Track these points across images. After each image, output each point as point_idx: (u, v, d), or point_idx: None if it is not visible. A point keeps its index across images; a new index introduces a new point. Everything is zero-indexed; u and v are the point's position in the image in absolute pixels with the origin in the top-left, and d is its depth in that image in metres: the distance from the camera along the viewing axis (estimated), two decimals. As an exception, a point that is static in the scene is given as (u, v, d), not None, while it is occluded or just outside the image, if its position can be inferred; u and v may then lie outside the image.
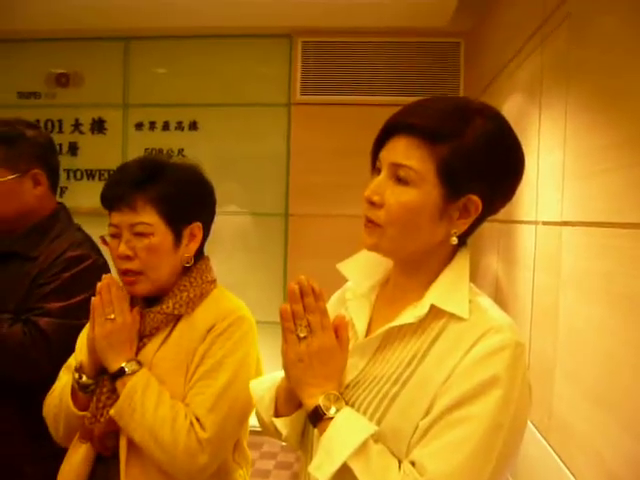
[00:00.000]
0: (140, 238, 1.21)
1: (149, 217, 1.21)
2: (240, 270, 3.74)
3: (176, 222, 1.24)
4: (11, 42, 4.05)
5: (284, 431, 1.00)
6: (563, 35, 1.85)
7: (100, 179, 4.03)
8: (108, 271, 1.60)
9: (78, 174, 4.00)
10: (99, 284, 1.22)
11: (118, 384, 1.17)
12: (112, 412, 1.16)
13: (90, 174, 4.03)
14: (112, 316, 1.19)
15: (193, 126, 3.94)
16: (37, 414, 1.35)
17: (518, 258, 2.34)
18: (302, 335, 0.91)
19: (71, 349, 1.37)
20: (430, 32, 3.69)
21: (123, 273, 1.23)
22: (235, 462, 1.28)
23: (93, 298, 1.21)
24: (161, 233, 1.22)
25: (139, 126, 4.00)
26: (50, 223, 1.64)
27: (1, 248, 1.60)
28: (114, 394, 1.18)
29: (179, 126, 3.95)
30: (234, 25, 3.78)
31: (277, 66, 3.89)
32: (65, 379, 1.30)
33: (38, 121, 3.73)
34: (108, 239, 1.25)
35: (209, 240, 1.35)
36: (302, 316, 0.91)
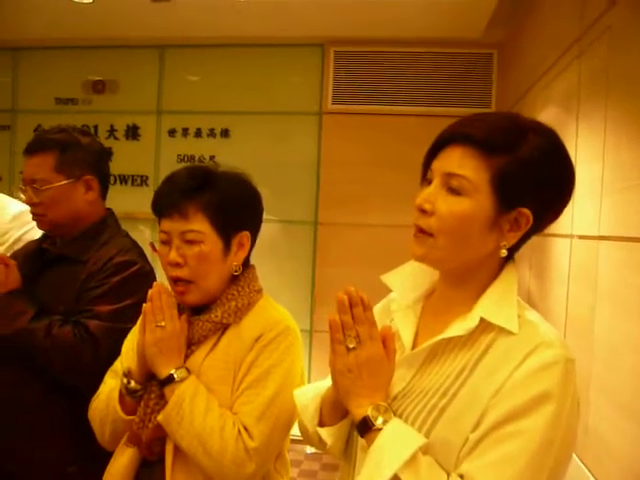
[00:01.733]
0: (190, 246, 1.22)
1: (200, 225, 1.22)
2: (268, 277, 3.73)
3: (226, 230, 1.25)
4: (50, 49, 4.16)
5: (329, 441, 1.01)
6: (603, 48, 1.85)
7: (133, 184, 4.10)
8: (154, 277, 1.64)
9: (111, 179, 4.06)
10: (150, 291, 1.23)
11: (166, 390, 1.18)
12: (160, 418, 1.17)
13: (123, 179, 4.10)
14: (162, 323, 1.20)
15: (225, 133, 3.99)
16: (82, 416, 1.37)
17: (551, 272, 2.32)
18: (351, 346, 0.92)
19: (118, 352, 1.40)
20: (463, 43, 3.69)
21: (173, 281, 1.24)
22: (276, 471, 1.29)
23: (144, 305, 1.23)
24: (211, 241, 1.23)
25: (172, 133, 4.06)
26: (100, 228, 1.69)
27: (53, 251, 1.66)
28: (162, 400, 1.20)
29: (211, 133, 4.00)
30: (267, 35, 3.83)
31: (309, 75, 3.92)
32: (111, 383, 1.32)
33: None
34: (157, 246, 1.26)
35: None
36: (351, 327, 0.92)
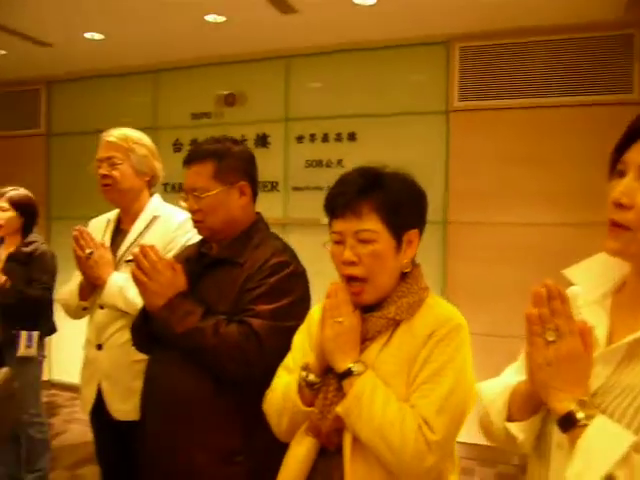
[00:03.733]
0: (364, 244, 1.25)
1: (373, 224, 1.25)
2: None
3: (397, 229, 1.27)
4: (184, 69, 4.48)
5: (520, 436, 1.00)
6: None
7: (263, 190, 4.26)
8: (306, 278, 1.71)
9: (243, 186, 4.28)
10: (329, 289, 1.28)
11: (345, 383, 1.22)
12: (339, 410, 1.21)
13: (254, 186, 4.29)
14: (340, 319, 1.24)
15: (352, 137, 4.05)
16: (251, 410, 1.45)
17: None
18: (550, 339, 0.90)
19: (279, 349, 1.45)
20: (597, 26, 3.47)
21: (348, 279, 1.27)
22: (445, 467, 1.27)
23: (324, 301, 1.28)
24: (384, 239, 1.25)
25: (300, 139, 4.19)
26: (252, 231, 1.77)
27: (211, 255, 1.76)
28: (340, 392, 1.23)
29: (338, 137, 4.07)
30: (390, 37, 3.85)
31: (433, 74, 3.87)
32: (285, 378, 1.37)
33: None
34: (329, 246, 1.30)
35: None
36: (549, 320, 0.90)
